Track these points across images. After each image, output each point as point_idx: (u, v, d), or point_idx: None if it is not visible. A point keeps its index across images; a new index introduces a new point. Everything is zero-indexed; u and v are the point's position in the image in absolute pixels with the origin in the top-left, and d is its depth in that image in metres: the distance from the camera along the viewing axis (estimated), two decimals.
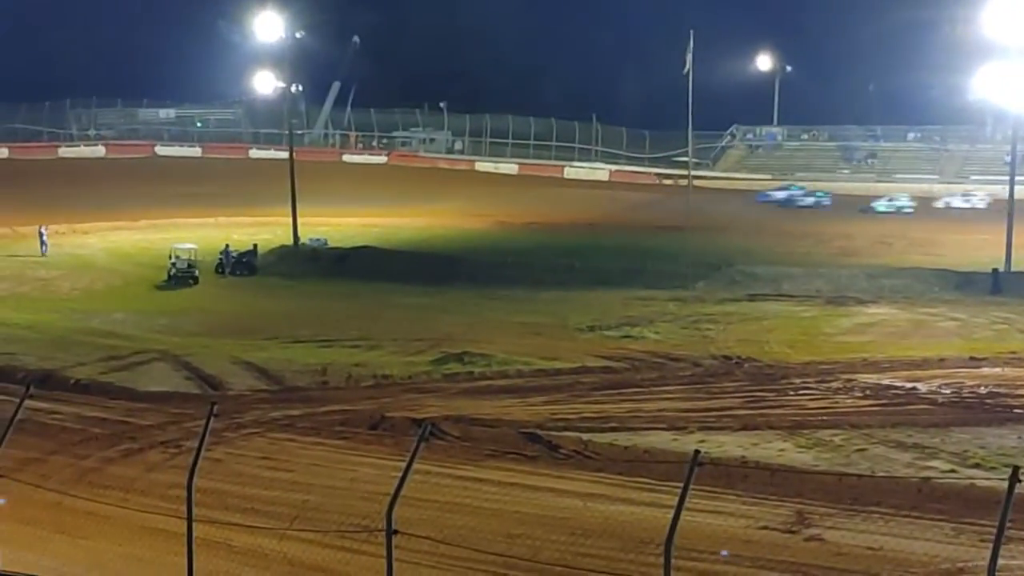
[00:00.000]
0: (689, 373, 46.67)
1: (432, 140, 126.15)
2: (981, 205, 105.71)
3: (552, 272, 69.18)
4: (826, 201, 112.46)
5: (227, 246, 75.44)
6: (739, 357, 49.45)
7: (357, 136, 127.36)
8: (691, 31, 72.56)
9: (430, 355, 50.17)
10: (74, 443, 36.18)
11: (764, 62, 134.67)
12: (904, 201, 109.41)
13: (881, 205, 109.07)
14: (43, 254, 79.18)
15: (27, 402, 17.50)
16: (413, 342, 53.15)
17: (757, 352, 50.43)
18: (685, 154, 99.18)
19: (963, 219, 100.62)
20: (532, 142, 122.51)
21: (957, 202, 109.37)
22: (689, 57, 72.57)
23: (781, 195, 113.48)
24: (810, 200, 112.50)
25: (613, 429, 37.07)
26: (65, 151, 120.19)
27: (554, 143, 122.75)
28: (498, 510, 28.48)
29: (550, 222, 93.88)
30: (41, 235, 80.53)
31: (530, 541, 24.99)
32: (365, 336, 54.84)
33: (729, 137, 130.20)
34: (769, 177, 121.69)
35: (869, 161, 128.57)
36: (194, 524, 15.77)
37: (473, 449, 34.79)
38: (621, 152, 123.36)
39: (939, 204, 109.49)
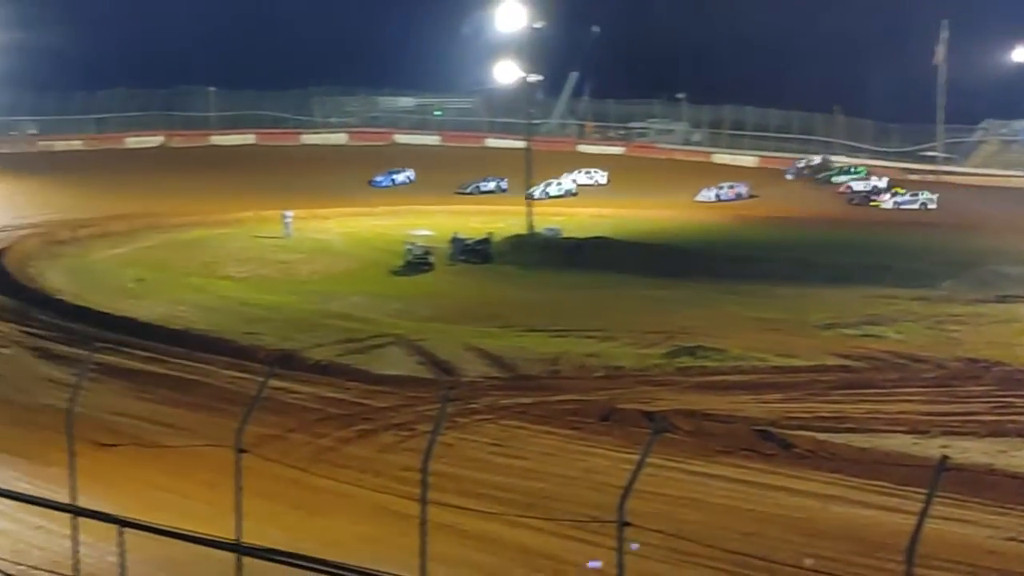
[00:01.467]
0: (933, 375, 45.27)
1: (669, 131, 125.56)
2: None
3: (790, 267, 67.98)
4: None
5: (457, 233, 75.98)
6: (987, 360, 47.54)
7: (593, 126, 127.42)
8: (944, 20, 70.48)
9: (663, 348, 49.78)
10: (312, 422, 36.84)
11: (1020, 53, 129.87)
12: None
13: None
14: (285, 237, 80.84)
15: (269, 381, 17.75)
16: (646, 334, 52.77)
17: (1007, 356, 48.26)
18: (933, 148, 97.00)
19: None
20: (772, 134, 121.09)
21: None
22: (941, 48, 70.60)
23: None
24: None
25: (850, 430, 36.37)
26: (308, 138, 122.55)
27: (794, 135, 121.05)
28: (730, 507, 28.14)
29: (789, 216, 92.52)
30: (285, 219, 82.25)
31: (764, 540, 24.66)
32: (598, 327, 54.61)
33: (981, 132, 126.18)
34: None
35: None
36: (428, 507, 15.79)
37: (705, 445, 34.45)
38: (865, 146, 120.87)
39: None
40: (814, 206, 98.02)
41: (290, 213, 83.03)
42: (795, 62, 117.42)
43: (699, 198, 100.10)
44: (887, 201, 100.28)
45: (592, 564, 22.81)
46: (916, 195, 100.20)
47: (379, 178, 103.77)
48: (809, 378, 44.16)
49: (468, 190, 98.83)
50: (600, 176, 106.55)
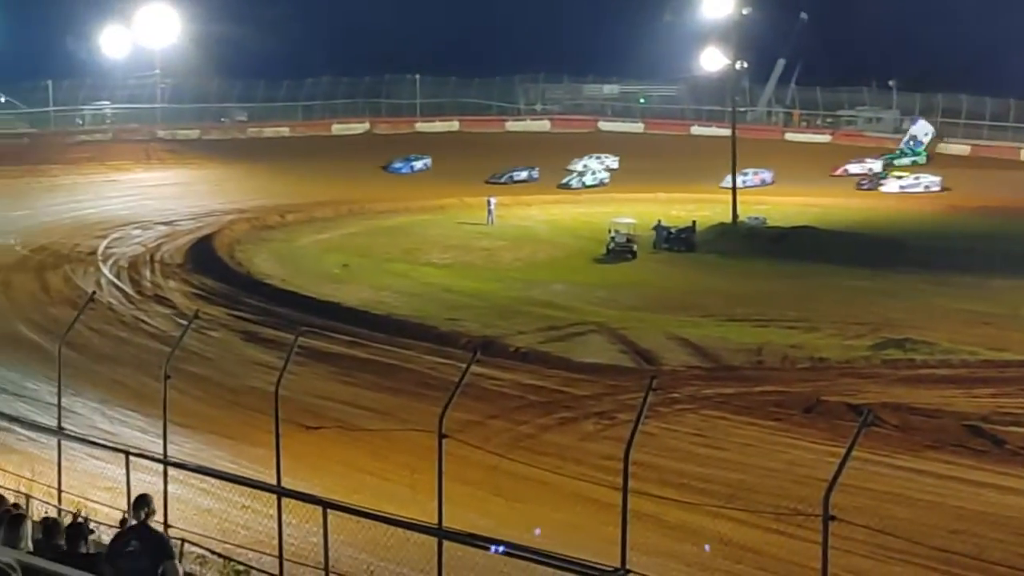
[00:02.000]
0: None
1: (878, 119, 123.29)
2: None
3: (1005, 259, 66.02)
4: None
5: (660, 221, 75.58)
6: None
7: (800, 114, 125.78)
8: None
9: (869, 340, 48.97)
10: (512, 409, 37.00)
11: None
12: None
13: None
14: (489, 224, 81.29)
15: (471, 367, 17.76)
16: (852, 325, 51.93)
17: None
18: None
19: None
20: (987, 123, 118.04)
21: None
22: None
23: None
24: None
25: None
26: (512, 124, 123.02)
27: (1011, 123, 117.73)
28: (938, 503, 27.58)
29: (1007, 207, 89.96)
30: (489, 206, 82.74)
31: (973, 538, 24.09)
32: (802, 317, 53.90)
33: None
34: None
35: None
36: (629, 496, 15.64)
37: (912, 439, 33.83)
38: None
39: None
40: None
41: (494, 200, 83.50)
42: (1012, 48, 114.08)
43: (885, 189, 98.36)
44: None
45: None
46: None
47: (397, 164, 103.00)
48: (1023, 373, 42.91)
49: (502, 179, 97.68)
50: (612, 161, 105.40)
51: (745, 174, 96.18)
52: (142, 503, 13.45)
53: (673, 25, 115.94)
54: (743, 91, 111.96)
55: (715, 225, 79.42)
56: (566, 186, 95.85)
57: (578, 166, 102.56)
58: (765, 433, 35.08)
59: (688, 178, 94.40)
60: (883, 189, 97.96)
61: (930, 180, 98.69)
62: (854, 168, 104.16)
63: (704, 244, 74.84)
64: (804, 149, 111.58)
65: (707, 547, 18.44)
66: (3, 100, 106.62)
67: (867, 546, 21.95)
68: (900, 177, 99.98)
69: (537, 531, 22.71)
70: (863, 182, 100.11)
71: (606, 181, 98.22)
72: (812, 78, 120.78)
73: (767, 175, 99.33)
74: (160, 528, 16.50)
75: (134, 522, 13.94)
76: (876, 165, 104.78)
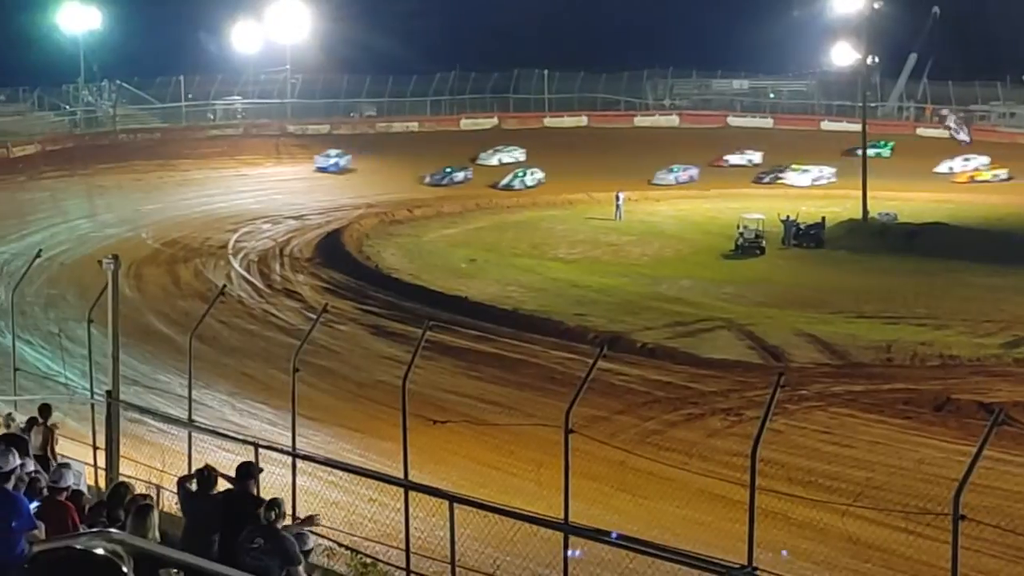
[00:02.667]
0: None
1: (1012, 114, 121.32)
2: None
3: None
4: None
5: (788, 217, 75.07)
6: None
7: (932, 109, 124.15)
8: None
9: (1001, 338, 48.28)
10: (639, 405, 36.97)
11: None
12: None
13: None
14: (617, 219, 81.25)
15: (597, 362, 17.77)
16: (983, 323, 51.22)
17: None
18: None
19: None
20: None
21: None
22: None
23: None
24: None
25: None
26: (640, 120, 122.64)
27: None
28: None
29: None
30: (618, 201, 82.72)
31: None
32: (932, 315, 53.24)
33: None
34: None
35: None
36: (756, 493, 15.57)
37: None
38: None
39: None
40: None
41: (623, 195, 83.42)
42: None
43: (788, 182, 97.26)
44: None
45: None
46: None
47: (322, 161, 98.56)
48: None
49: (443, 181, 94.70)
50: (519, 153, 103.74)
51: (671, 170, 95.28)
52: (273, 505, 13.65)
53: (803, 19, 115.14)
54: (874, 86, 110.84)
55: (845, 221, 78.72)
56: (508, 188, 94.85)
57: (492, 160, 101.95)
58: (894, 431, 34.72)
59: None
60: (786, 182, 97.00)
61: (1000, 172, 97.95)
62: (734, 159, 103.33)
63: (833, 240, 74.24)
64: (935, 145, 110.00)
65: (784, 553, 18.23)
66: (118, 87, 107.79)
67: (997, 546, 21.70)
68: (806, 171, 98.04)
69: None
70: (763, 175, 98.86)
71: (543, 181, 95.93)
72: (944, 73, 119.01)
73: (694, 171, 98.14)
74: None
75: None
76: (756, 156, 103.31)
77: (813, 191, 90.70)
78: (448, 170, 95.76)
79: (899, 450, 32.33)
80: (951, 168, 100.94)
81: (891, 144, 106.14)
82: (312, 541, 14.76)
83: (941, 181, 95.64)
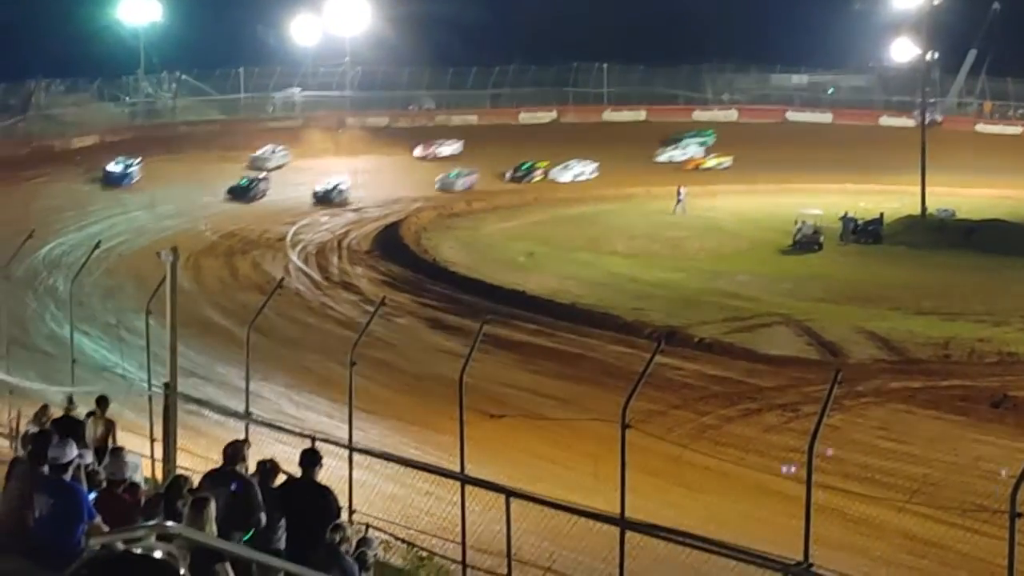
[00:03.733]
0: None
1: None
2: None
3: None
4: None
5: (847, 212, 74.90)
6: None
7: (992, 106, 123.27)
8: None
9: None
10: (695, 399, 36.96)
11: None
12: None
13: None
14: (676, 213, 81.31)
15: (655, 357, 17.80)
16: None
17: None
18: None
19: None
20: None
21: None
22: None
23: None
24: None
25: None
26: (699, 114, 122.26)
27: None
28: None
29: None
30: (679, 195, 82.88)
31: None
32: (991, 311, 52.92)
33: None
34: None
35: None
36: (812, 489, 15.58)
37: None
38: None
39: None
40: None
41: (684, 189, 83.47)
42: None
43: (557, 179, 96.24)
44: None
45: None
46: None
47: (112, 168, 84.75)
48: None
49: (523, 177, 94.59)
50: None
51: (568, 166, 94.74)
52: (338, 529, 13.80)
53: (863, 14, 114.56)
54: (934, 82, 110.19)
55: (903, 217, 78.42)
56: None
57: (565, 176, 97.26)
58: (951, 427, 34.61)
59: (877, 169, 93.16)
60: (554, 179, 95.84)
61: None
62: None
63: (891, 236, 73.97)
64: (996, 141, 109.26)
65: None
66: (177, 78, 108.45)
67: None
68: (567, 167, 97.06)
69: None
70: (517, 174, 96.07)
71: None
72: (1004, 69, 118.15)
73: (593, 166, 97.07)
74: (344, 513, 16.93)
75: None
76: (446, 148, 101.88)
77: (870, 187, 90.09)
78: (525, 166, 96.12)
79: (956, 447, 32.21)
80: (671, 158, 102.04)
81: (711, 132, 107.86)
82: (376, 547, 14.99)
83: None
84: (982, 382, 39.96)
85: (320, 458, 15.37)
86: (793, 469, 22.95)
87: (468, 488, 19.44)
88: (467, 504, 19.39)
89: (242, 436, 19.33)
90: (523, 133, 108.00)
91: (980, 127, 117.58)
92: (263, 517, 14.04)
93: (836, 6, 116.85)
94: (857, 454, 30.34)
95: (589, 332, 47.24)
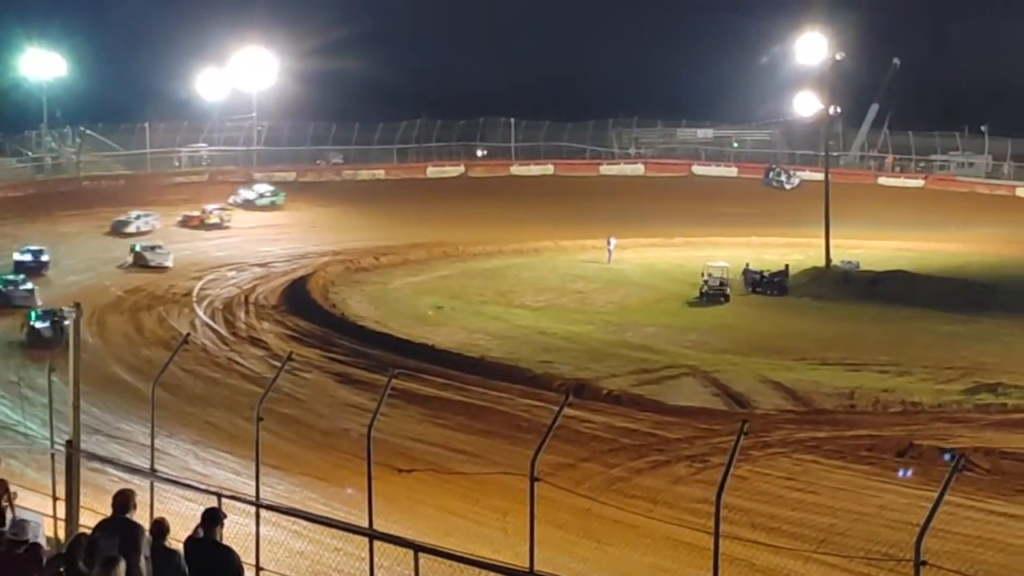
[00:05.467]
0: None
1: (971, 164, 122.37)
2: None
3: None
4: None
5: (748, 265, 75.79)
6: None
7: (894, 159, 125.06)
8: None
9: (961, 384, 48.68)
10: (604, 452, 37.05)
11: None
12: None
13: None
14: (610, 263, 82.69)
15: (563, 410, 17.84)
16: (944, 370, 51.62)
17: None
18: None
19: None
20: None
21: None
22: None
23: None
24: None
25: None
26: (606, 168, 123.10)
27: None
28: None
29: None
30: (609, 246, 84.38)
31: None
32: (895, 361, 53.66)
33: None
34: None
35: None
36: (720, 540, 15.66)
37: (1004, 483, 33.56)
38: None
39: None
40: None
41: (614, 240, 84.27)
42: None
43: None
44: None
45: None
46: None
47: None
48: None
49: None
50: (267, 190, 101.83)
51: (130, 219, 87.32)
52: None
53: (767, 69, 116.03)
54: (836, 136, 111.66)
55: (808, 269, 79.20)
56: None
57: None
58: (857, 477, 34.90)
59: (781, 222, 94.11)
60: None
61: None
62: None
63: (797, 288, 74.70)
64: (897, 194, 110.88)
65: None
66: (81, 133, 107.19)
67: None
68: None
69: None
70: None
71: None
72: (905, 123, 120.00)
73: (155, 220, 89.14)
74: (251, 571, 16.79)
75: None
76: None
77: (775, 240, 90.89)
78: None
79: (862, 496, 32.48)
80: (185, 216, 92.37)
81: (282, 194, 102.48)
82: None
83: (903, 228, 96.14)
84: (887, 431, 40.39)
85: (222, 517, 15.28)
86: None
87: (377, 544, 19.31)
88: (376, 560, 19.25)
89: (147, 494, 19.15)
90: (431, 187, 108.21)
91: (882, 180, 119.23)
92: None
93: (741, 61, 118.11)
94: (764, 504, 30.51)
95: (498, 385, 47.24)
